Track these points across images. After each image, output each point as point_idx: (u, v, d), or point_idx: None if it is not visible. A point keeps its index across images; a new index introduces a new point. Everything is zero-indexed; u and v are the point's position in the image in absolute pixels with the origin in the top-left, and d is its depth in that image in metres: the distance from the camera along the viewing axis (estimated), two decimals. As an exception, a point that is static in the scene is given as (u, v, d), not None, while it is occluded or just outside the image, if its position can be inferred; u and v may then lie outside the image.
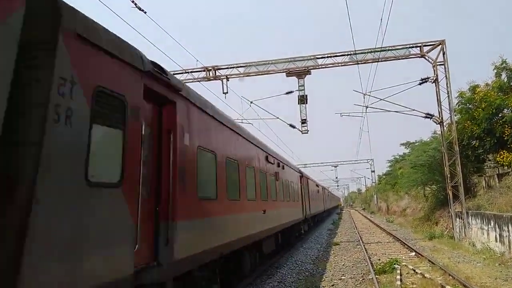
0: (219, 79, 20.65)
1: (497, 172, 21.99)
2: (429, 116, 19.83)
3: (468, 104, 22.38)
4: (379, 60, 19.48)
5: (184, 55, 18.98)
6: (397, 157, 57.30)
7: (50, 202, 3.28)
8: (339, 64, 20.19)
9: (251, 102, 21.40)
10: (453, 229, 19.65)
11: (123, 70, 4.54)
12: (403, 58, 19.86)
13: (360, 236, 24.33)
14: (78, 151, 3.70)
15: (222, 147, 8.25)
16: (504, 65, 21.36)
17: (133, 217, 4.50)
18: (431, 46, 19.60)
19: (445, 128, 20.10)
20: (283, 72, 20.68)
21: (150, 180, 5.31)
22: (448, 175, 19.42)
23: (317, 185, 35.76)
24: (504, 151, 19.44)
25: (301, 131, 21.48)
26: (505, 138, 19.56)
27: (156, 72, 5.27)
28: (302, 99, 20.86)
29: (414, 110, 20.30)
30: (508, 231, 13.81)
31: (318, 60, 20.44)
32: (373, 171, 73.50)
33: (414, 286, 10.40)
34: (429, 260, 13.62)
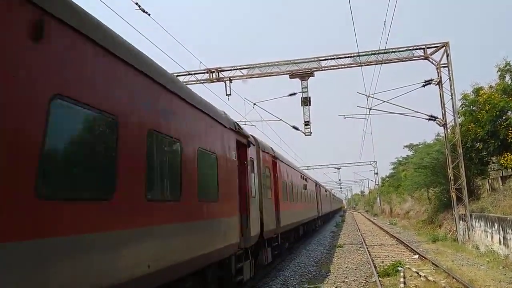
0: (222, 81, 20.67)
1: (501, 175, 21.92)
2: (432, 118, 19.76)
3: (472, 106, 22.33)
4: (383, 62, 19.44)
5: (187, 57, 19.02)
6: (401, 159, 57.30)
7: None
8: (343, 66, 20.18)
9: (254, 104, 21.38)
10: (456, 231, 19.56)
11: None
12: (406, 60, 19.80)
13: (363, 238, 24.28)
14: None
15: (286, 176, 16.80)
16: (508, 67, 21.30)
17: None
18: (434, 48, 19.52)
19: (448, 130, 20.01)
20: (286, 74, 20.64)
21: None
22: (452, 178, 19.32)
23: (326, 190, 44.99)
24: (508, 153, 19.37)
25: (304, 133, 21.45)
26: (509, 141, 19.49)
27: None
28: (305, 101, 20.79)
29: (417, 112, 20.26)
30: (512, 234, 13.73)
31: (321, 62, 20.41)
32: (376, 173, 73.30)
33: (418, 289, 10.36)
34: (433, 263, 13.57)
